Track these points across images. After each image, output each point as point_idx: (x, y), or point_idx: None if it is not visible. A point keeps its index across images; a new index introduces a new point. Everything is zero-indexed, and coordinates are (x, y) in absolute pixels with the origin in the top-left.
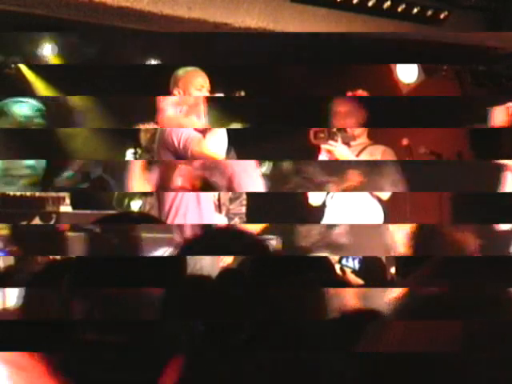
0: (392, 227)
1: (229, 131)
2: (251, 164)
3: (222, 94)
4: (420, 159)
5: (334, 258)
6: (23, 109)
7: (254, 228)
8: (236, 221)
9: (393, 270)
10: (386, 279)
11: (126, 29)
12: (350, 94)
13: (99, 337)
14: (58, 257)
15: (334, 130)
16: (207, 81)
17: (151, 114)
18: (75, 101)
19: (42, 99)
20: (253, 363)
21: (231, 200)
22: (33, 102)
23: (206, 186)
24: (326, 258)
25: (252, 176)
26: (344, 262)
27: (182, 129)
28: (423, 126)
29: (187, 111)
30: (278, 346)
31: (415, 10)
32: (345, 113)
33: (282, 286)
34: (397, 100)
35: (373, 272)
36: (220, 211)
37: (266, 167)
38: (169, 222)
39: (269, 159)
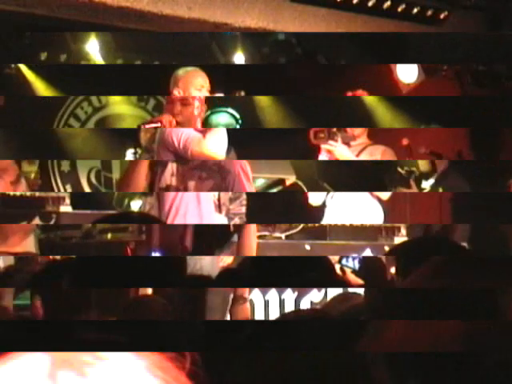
0: None
1: (229, 131)
2: None
3: (221, 94)
4: (420, 159)
5: (334, 258)
6: (222, 118)
7: None
8: (236, 221)
9: (393, 270)
10: (385, 279)
11: (126, 29)
12: (349, 94)
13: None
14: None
15: (334, 130)
16: (207, 81)
17: None
18: (266, 108)
19: (238, 109)
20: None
21: (231, 200)
22: (232, 111)
23: None
24: (325, 258)
25: None
26: (344, 261)
27: (182, 129)
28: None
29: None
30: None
31: (415, 10)
32: None
33: None
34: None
35: (373, 272)
36: (220, 211)
37: None
38: (169, 222)
39: (269, 159)
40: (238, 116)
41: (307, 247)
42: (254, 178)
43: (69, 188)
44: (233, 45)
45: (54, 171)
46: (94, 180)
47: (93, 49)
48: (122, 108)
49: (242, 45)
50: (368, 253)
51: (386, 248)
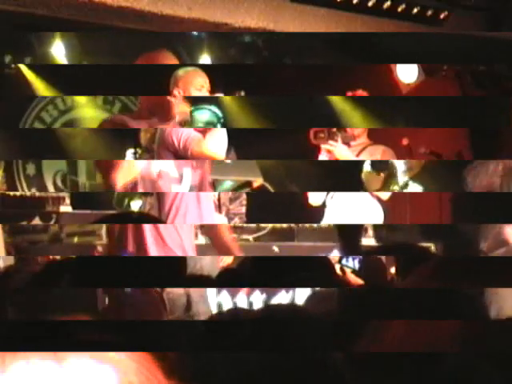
0: None
1: (229, 131)
2: None
3: (221, 94)
4: (420, 159)
5: (334, 258)
6: (204, 116)
7: None
8: (236, 221)
9: (393, 270)
10: (385, 279)
11: (126, 29)
12: (349, 94)
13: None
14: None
15: (334, 130)
16: (207, 81)
17: None
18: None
19: (220, 107)
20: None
21: (231, 200)
22: (214, 109)
23: None
24: (326, 257)
25: None
26: (344, 261)
27: (182, 129)
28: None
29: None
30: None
31: (415, 10)
32: None
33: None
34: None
35: (373, 272)
36: (220, 211)
37: None
38: (169, 222)
39: (269, 159)
40: (220, 114)
41: (275, 249)
42: (221, 180)
43: (34, 192)
44: (199, 46)
45: (19, 175)
46: (60, 184)
47: (56, 49)
48: (87, 111)
49: (209, 46)
50: (336, 254)
51: None
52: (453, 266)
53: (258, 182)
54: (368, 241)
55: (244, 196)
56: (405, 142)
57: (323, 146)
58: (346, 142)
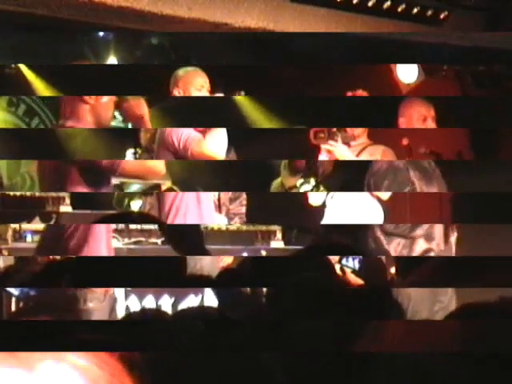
0: None
1: (229, 131)
2: None
3: (221, 94)
4: (420, 159)
5: (334, 258)
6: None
7: None
8: (236, 221)
9: (393, 270)
10: (386, 279)
11: (126, 29)
12: (350, 94)
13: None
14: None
15: (334, 130)
16: (207, 81)
17: None
18: None
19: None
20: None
21: (231, 200)
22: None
23: None
24: (326, 257)
25: None
26: (344, 261)
27: (182, 129)
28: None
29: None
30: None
31: (415, 10)
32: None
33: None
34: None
35: (373, 272)
36: (220, 211)
37: None
38: (169, 221)
39: (269, 159)
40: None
41: None
42: (129, 183)
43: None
44: (105, 46)
45: None
46: None
47: None
48: None
49: (115, 46)
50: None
51: (263, 252)
52: (452, 266)
53: (166, 184)
54: (277, 244)
55: (244, 196)
56: (405, 142)
57: (323, 146)
58: (346, 142)
